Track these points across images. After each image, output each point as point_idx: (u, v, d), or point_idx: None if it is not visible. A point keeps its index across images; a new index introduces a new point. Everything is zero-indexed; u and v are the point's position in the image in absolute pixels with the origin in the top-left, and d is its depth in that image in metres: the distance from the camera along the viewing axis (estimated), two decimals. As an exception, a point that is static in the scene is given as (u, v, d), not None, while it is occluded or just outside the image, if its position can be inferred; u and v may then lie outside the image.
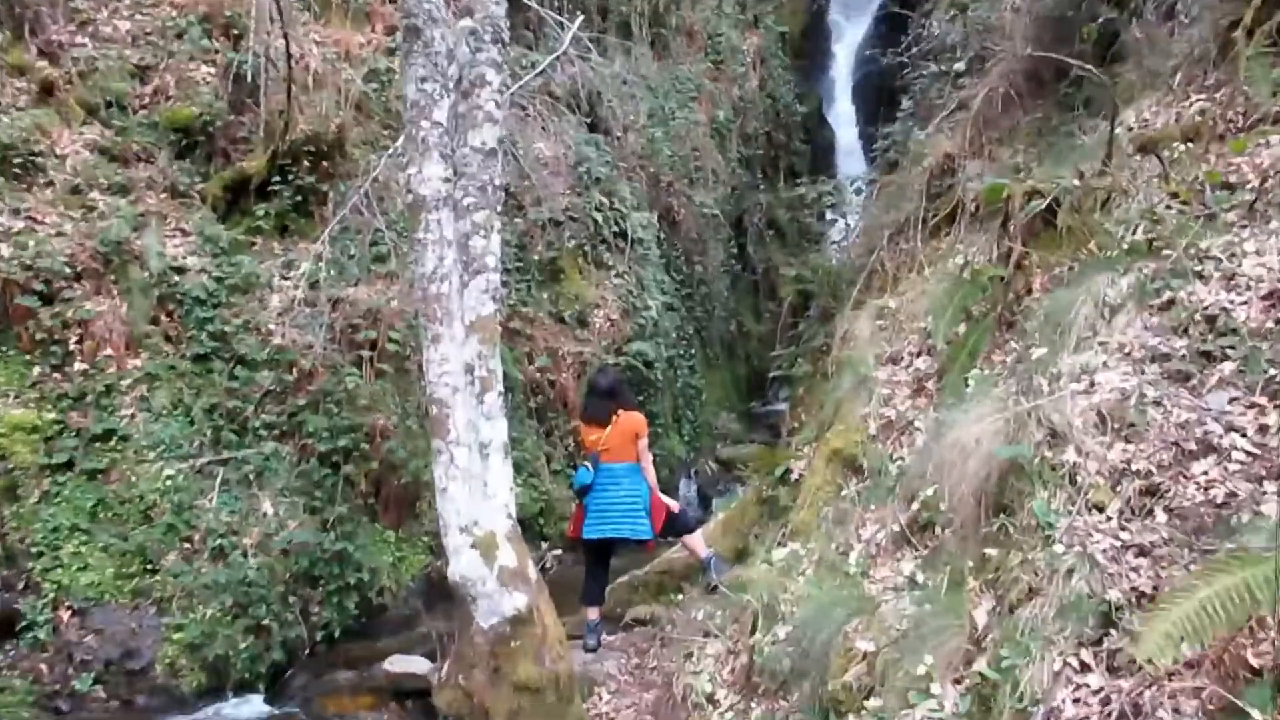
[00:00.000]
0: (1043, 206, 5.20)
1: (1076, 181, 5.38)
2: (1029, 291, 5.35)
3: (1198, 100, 5.59)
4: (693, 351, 12.90)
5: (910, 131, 9.71)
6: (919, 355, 5.74)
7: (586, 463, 6.05)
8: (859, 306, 7.72)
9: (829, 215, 12.85)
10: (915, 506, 4.32)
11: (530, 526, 9.38)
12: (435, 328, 4.29)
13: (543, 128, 11.19)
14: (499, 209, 4.45)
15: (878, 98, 18.49)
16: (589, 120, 12.02)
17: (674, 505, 6.25)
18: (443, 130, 4.31)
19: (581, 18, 11.57)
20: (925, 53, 12.26)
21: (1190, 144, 5.30)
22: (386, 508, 8.42)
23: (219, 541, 7.07)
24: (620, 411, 6.12)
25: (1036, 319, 5.16)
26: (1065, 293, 4.48)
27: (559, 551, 9.19)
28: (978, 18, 9.39)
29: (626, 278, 11.04)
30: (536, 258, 10.42)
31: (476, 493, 4.42)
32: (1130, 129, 5.84)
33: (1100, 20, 6.32)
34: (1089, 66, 5.67)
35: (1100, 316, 4.05)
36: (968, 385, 5.09)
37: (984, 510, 3.65)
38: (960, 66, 9.09)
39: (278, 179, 8.95)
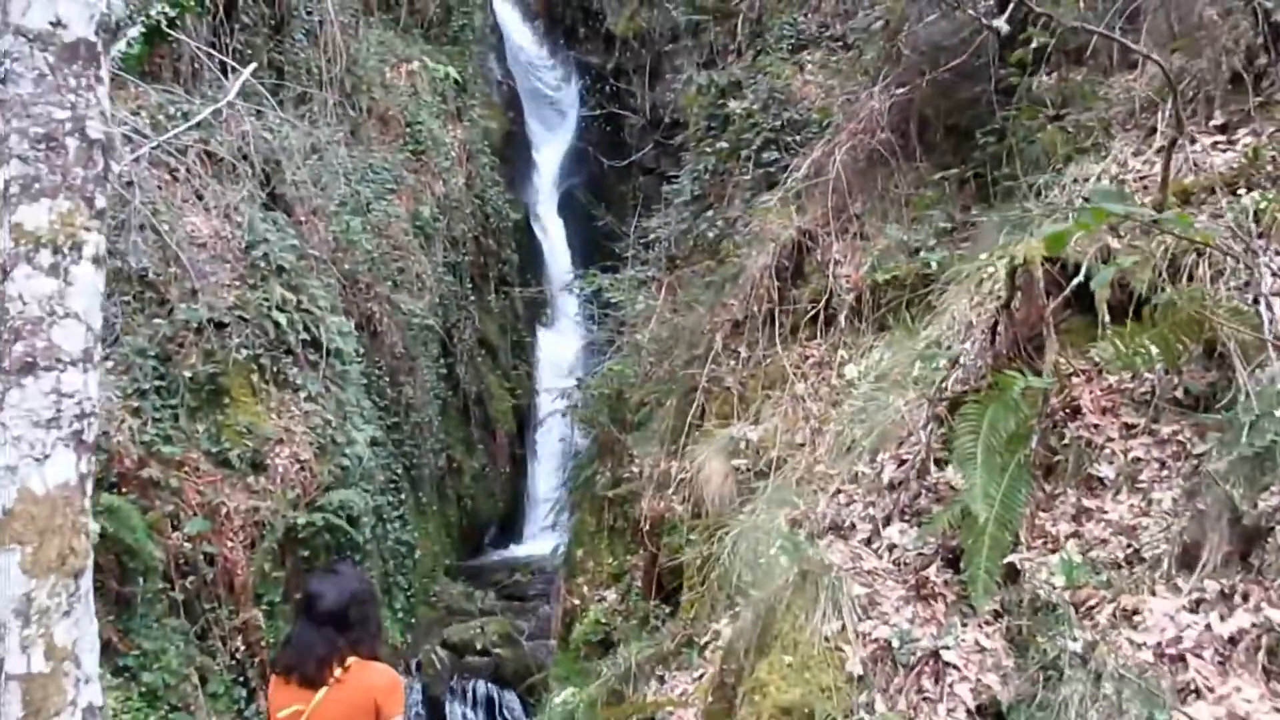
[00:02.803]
0: (1107, 278, 3.20)
1: (1116, 244, 3.46)
2: (1074, 413, 3.29)
3: (1217, 140, 3.98)
4: (403, 497, 9.99)
5: (696, 219, 7.81)
6: (887, 522, 3.46)
7: None
8: (690, 438, 5.45)
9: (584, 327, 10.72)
10: None
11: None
12: None
13: (198, 195, 8.06)
14: (102, 201, 1.60)
15: (600, 200, 16.98)
16: (266, 194, 9.01)
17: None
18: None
19: (254, 65, 8.74)
20: (672, 137, 10.93)
21: (1249, 190, 3.60)
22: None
23: None
24: (351, 661, 3.14)
25: (1112, 457, 3.10)
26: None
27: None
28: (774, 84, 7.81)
29: (322, 402, 7.99)
30: (189, 374, 7.16)
31: None
32: (1121, 182, 4.10)
33: (1035, 46, 4.66)
34: (1152, 54, 3.87)
35: None
36: (1036, 579, 2.88)
37: None
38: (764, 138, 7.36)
39: None
